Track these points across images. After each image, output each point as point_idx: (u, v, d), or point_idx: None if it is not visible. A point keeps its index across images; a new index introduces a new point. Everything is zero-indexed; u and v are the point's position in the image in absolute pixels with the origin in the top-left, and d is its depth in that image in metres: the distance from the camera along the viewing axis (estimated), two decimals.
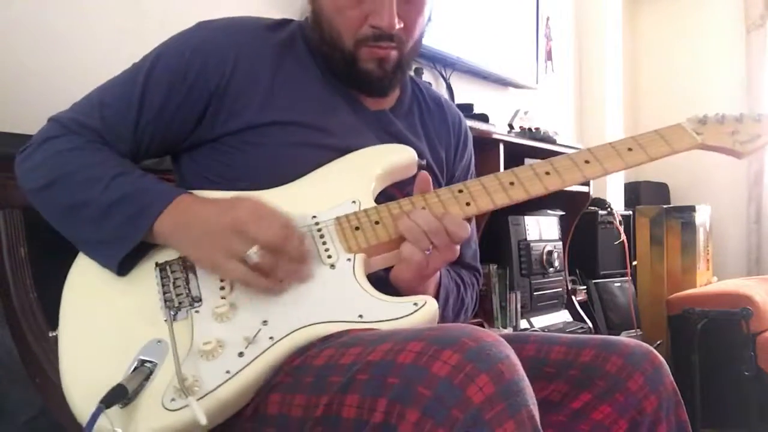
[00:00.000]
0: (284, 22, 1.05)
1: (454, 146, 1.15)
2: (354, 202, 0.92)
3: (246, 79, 0.95)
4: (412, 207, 0.91)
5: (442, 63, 2.43)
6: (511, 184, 0.94)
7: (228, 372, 0.77)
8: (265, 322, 0.81)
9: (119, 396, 0.74)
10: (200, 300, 0.84)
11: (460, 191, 0.93)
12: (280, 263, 0.82)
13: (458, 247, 0.91)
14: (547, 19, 3.11)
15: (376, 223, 0.90)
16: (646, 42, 4.11)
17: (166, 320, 0.82)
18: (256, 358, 0.78)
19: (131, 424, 0.75)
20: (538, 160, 0.98)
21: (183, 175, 1.01)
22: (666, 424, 0.88)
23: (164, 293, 0.85)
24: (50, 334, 0.88)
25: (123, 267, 0.87)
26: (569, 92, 3.48)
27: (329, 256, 0.87)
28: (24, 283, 1.04)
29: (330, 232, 0.89)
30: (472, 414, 0.62)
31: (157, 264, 0.88)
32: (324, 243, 0.88)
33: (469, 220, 0.94)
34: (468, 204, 0.92)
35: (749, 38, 3.75)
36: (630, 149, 0.97)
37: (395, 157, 0.98)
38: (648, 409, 0.87)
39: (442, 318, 1.02)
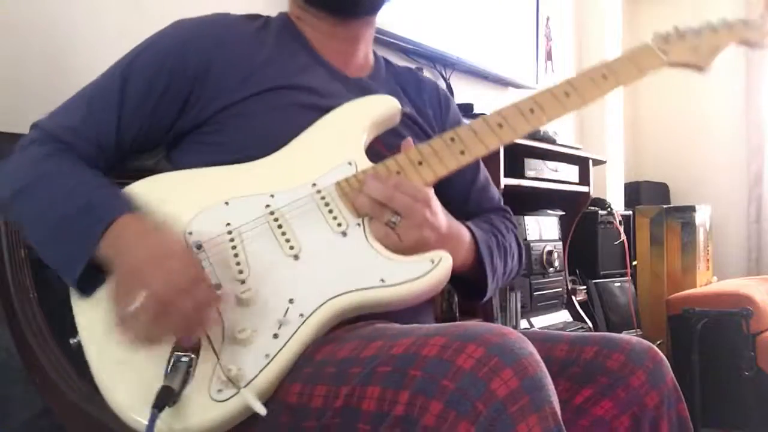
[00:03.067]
0: (259, 15, 1.08)
1: (437, 107, 1.16)
2: (350, 163, 0.92)
3: (226, 61, 0.97)
4: (409, 162, 0.91)
5: (442, 63, 2.43)
6: (500, 125, 0.95)
7: (267, 356, 0.77)
8: (291, 301, 0.81)
9: (168, 397, 0.73)
10: (220, 287, 0.82)
11: (452, 139, 0.93)
12: (167, 321, 0.75)
13: (436, 209, 0.89)
14: (547, 19, 3.11)
15: None
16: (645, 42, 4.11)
17: None
18: (291, 337, 0.79)
19: (182, 420, 0.74)
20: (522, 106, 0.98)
21: (180, 161, 1.00)
22: (667, 420, 0.88)
23: None
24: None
25: (85, 289, 0.84)
26: None
27: (339, 224, 0.87)
28: (24, 284, 1.04)
29: (334, 198, 0.89)
30: (495, 407, 0.62)
31: None
32: (330, 211, 0.88)
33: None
34: (462, 153, 0.93)
35: None
36: (605, 76, 0.99)
37: (379, 108, 0.98)
38: (649, 404, 0.87)
39: (494, 274, 1.02)
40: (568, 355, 0.93)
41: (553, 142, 2.37)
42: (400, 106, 0.99)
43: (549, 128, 2.42)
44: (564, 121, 3.35)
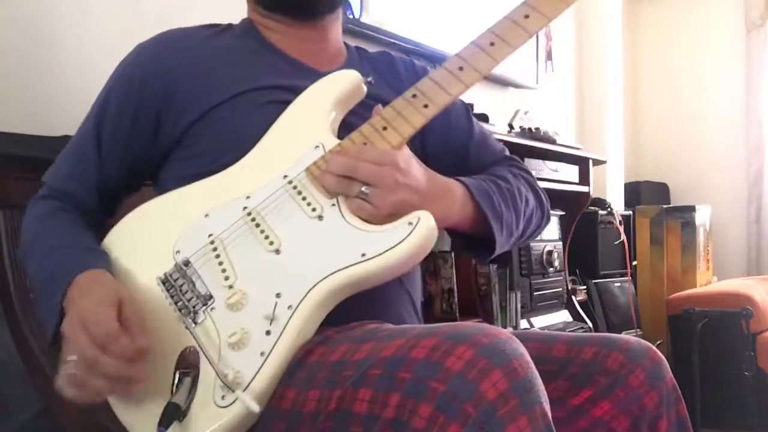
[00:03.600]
0: (214, 24, 1.07)
1: (416, 80, 1.13)
2: (317, 146, 0.90)
3: (187, 75, 0.97)
4: (373, 130, 0.88)
5: (442, 63, 2.43)
6: (461, 69, 0.90)
7: (263, 354, 0.77)
8: (278, 295, 0.81)
9: (175, 414, 0.75)
10: (211, 297, 0.83)
11: (414, 96, 0.89)
12: (95, 381, 0.75)
13: (407, 169, 0.86)
14: None
15: None
16: (646, 42, 4.11)
17: (187, 328, 0.82)
18: (283, 330, 0.79)
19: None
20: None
21: (158, 181, 1.02)
22: (666, 420, 0.88)
23: (176, 303, 0.84)
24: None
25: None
26: (569, 92, 3.48)
27: (313, 209, 0.85)
28: (24, 284, 1.04)
29: (305, 185, 0.87)
30: (485, 409, 0.62)
31: (158, 279, 0.87)
32: (304, 198, 0.86)
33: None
34: (426, 106, 0.88)
35: (749, 38, 3.75)
36: (527, 16, 0.95)
37: (340, 84, 0.95)
38: (649, 405, 0.87)
39: (500, 221, 0.96)
40: (567, 355, 0.92)
41: (553, 142, 2.37)
42: (360, 77, 0.95)
43: (549, 128, 2.42)
44: (564, 121, 3.35)
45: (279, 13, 1.03)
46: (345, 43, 1.13)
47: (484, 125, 2.05)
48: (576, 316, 2.50)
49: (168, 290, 0.86)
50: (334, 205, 0.85)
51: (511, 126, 2.41)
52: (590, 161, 2.63)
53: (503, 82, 2.85)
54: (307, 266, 0.82)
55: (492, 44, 0.90)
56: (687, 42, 3.95)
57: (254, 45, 1.03)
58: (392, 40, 2.15)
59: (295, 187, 0.88)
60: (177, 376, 0.79)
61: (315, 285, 0.81)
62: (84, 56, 1.40)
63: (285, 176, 0.89)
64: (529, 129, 2.32)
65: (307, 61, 1.04)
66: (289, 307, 0.80)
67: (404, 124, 0.88)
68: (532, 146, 2.25)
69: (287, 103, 0.95)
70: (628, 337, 0.94)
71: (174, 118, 0.97)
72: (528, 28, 0.94)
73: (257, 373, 0.76)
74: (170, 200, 0.94)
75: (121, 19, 1.48)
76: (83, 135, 1.00)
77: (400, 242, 0.80)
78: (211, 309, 0.83)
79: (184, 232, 0.88)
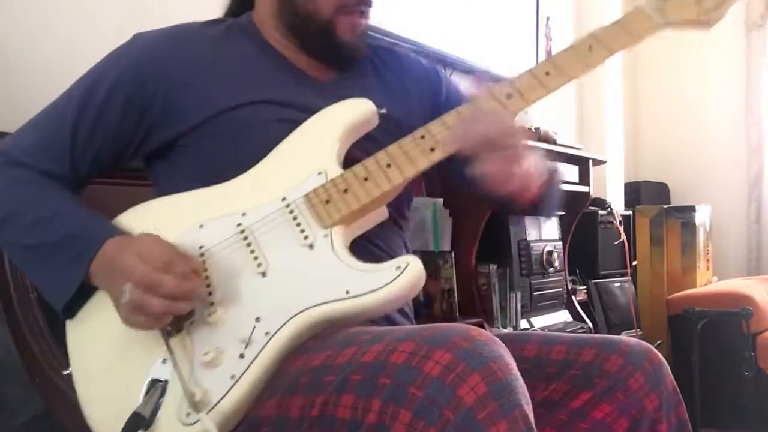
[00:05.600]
0: (219, 20, 1.05)
1: (427, 90, 1.11)
2: (320, 173, 0.89)
3: (187, 75, 0.95)
4: (377, 166, 0.88)
5: (442, 63, 2.43)
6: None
7: (233, 377, 0.77)
8: (258, 319, 0.81)
9: (138, 424, 0.75)
10: (192, 310, 0.83)
11: (422, 137, 0.89)
12: (152, 300, 0.79)
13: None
14: (547, 19, 3.11)
15: (345, 191, 0.87)
16: (645, 42, 4.10)
17: (163, 337, 0.82)
18: (256, 356, 0.78)
19: None
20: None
21: (160, 178, 1.00)
22: (666, 423, 0.88)
23: None
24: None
25: (70, 311, 0.88)
26: (569, 92, 3.47)
27: (306, 237, 0.85)
28: (24, 284, 1.04)
29: (302, 211, 0.87)
30: (464, 414, 0.62)
31: None
32: (298, 224, 0.86)
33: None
34: (432, 149, 0.88)
35: (749, 38, 3.74)
36: (591, 48, 0.91)
37: (352, 113, 0.94)
38: (649, 407, 0.87)
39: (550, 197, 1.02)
40: (567, 357, 0.92)
41: (553, 142, 2.37)
42: (375, 109, 0.94)
43: (549, 128, 2.42)
44: (564, 121, 3.35)
45: (310, 55, 1.01)
46: None
47: None
48: (576, 316, 2.50)
49: None
50: (326, 236, 0.85)
51: None
52: (590, 161, 2.63)
53: None
54: (291, 294, 0.82)
55: (509, 96, 0.90)
56: (687, 42, 3.94)
57: (253, 50, 1.01)
58: (392, 41, 2.15)
59: (291, 212, 0.87)
60: (148, 383, 0.80)
61: (295, 315, 0.80)
62: (86, 56, 1.40)
63: (283, 199, 0.88)
64: (529, 129, 2.32)
65: (308, 69, 1.02)
66: (267, 333, 0.79)
67: (408, 165, 0.88)
68: (532, 146, 2.25)
69: (284, 120, 0.94)
70: (629, 338, 0.94)
71: (168, 122, 0.95)
72: (547, 84, 0.93)
73: (224, 396, 0.76)
74: (167, 204, 0.93)
75: (122, 19, 1.47)
76: (59, 113, 0.96)
77: (384, 285, 0.80)
78: (190, 322, 0.82)
79: (176, 239, 0.86)
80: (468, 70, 2.59)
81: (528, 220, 2.30)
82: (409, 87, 1.09)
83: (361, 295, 0.80)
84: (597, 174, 2.81)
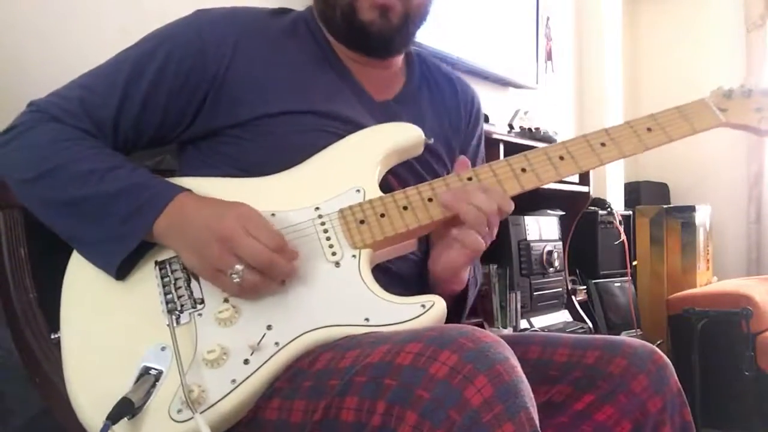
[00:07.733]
0: (285, 10, 1.03)
1: (465, 124, 1.12)
2: (358, 190, 0.88)
3: (247, 67, 0.93)
4: (419, 197, 0.87)
5: (443, 63, 2.43)
6: (523, 170, 0.90)
7: (234, 381, 0.75)
8: (269, 327, 0.79)
9: (126, 410, 0.72)
10: (202, 302, 0.81)
11: (470, 179, 0.89)
12: (265, 282, 0.79)
13: None
14: (547, 19, 3.10)
15: (382, 216, 0.86)
16: (646, 42, 4.11)
17: (168, 325, 0.79)
18: (261, 365, 0.76)
19: None
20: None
21: (188, 165, 0.98)
22: (670, 425, 0.87)
23: (165, 294, 0.82)
24: (52, 336, 0.86)
25: (121, 270, 0.84)
26: (569, 92, 3.47)
27: (333, 254, 0.84)
28: (24, 283, 1.04)
29: (334, 226, 0.85)
30: (470, 416, 0.62)
31: (156, 262, 0.84)
32: (328, 239, 0.85)
33: None
34: None
35: (749, 38, 3.74)
36: (649, 129, 0.92)
37: (400, 137, 0.93)
38: (652, 410, 0.87)
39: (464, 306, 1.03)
40: (570, 359, 0.92)
41: (553, 142, 2.36)
42: (423, 137, 0.94)
43: (549, 128, 2.42)
44: (564, 121, 3.35)
45: (351, 49, 1.00)
46: (407, 55, 1.09)
47: (484, 125, 2.05)
48: (576, 316, 2.50)
49: (162, 278, 0.83)
50: (354, 256, 0.83)
51: (511, 126, 2.41)
52: None
53: (503, 82, 2.85)
54: (308, 309, 0.80)
55: (561, 158, 0.92)
56: (687, 42, 3.95)
57: (315, 53, 0.99)
58: None
59: (323, 224, 0.85)
60: (141, 370, 0.77)
61: (309, 331, 0.78)
62: (86, 56, 1.40)
63: (317, 208, 0.87)
64: (529, 129, 2.32)
65: (365, 83, 1.00)
66: (276, 343, 0.78)
67: (424, 213, 0.87)
68: (532, 146, 2.24)
69: (333, 133, 0.92)
70: (633, 340, 0.93)
71: (221, 108, 0.92)
72: (622, 149, 0.94)
73: (222, 399, 0.74)
74: (206, 184, 0.90)
75: (123, 19, 1.47)
76: (109, 77, 0.91)
77: (405, 321, 0.79)
78: (198, 314, 0.80)
79: None
80: (468, 70, 2.59)
81: (528, 220, 2.30)
82: (451, 112, 1.09)
83: (381, 325, 0.78)
84: (597, 174, 2.82)
